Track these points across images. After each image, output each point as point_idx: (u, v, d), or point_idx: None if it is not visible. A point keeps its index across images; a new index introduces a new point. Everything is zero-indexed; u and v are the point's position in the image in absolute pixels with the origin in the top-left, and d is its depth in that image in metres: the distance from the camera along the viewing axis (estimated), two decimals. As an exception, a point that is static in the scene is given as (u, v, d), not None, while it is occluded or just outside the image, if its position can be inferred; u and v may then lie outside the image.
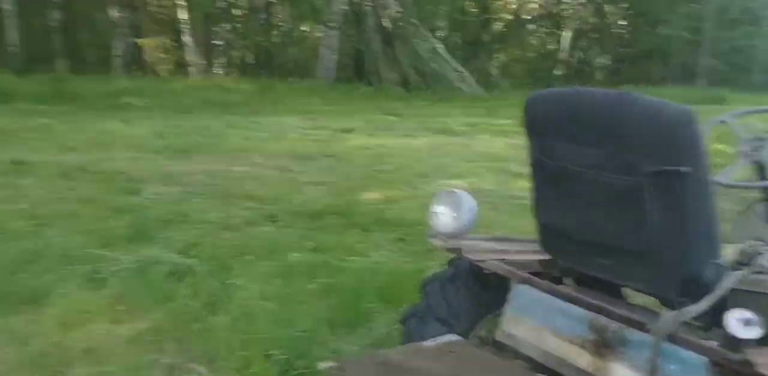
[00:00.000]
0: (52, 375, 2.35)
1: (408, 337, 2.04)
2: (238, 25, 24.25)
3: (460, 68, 19.65)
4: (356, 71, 20.89)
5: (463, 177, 6.66)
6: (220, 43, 23.47)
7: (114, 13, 21.04)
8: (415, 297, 2.46)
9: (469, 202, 2.01)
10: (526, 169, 1.82)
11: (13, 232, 4.07)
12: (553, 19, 26.93)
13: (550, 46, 27.34)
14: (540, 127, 1.72)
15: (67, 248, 3.71)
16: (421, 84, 18.74)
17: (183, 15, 20.93)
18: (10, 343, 2.56)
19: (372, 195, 5.63)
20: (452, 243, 1.99)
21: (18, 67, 17.38)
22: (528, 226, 2.02)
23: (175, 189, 5.69)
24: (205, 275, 3.34)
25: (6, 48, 18.78)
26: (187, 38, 21.00)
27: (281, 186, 5.99)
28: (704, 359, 1.41)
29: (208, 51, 22.21)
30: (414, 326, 2.06)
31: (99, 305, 2.94)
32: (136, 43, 21.46)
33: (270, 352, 2.40)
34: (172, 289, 3.14)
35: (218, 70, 21.91)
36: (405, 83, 18.96)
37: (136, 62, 20.97)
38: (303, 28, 24.71)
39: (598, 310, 1.65)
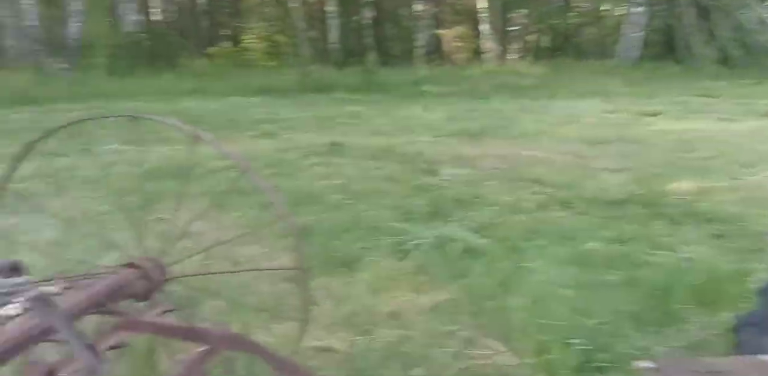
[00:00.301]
0: (361, 333, 2.56)
1: (741, 347, 1.74)
2: (535, 10, 23.95)
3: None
4: (664, 49, 19.02)
5: (801, 168, 5.58)
6: (516, 28, 23.49)
7: (418, 7, 22.54)
8: (740, 302, 2.10)
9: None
10: None
11: (331, 204, 4.60)
12: None
13: None
14: None
15: (375, 221, 4.05)
16: (744, 60, 16.28)
17: (481, 4, 21.45)
18: (328, 300, 2.88)
19: (681, 184, 5.03)
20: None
21: (337, 61, 19.79)
22: None
23: (468, 171, 5.83)
24: (498, 256, 3.34)
25: (328, 45, 21.50)
26: (483, 26, 21.49)
27: (574, 171, 5.73)
28: None
29: (503, 37, 22.42)
30: (750, 335, 1.74)
31: (402, 274, 3.14)
32: (436, 34, 22.70)
33: (569, 340, 2.28)
34: (467, 266, 3.21)
35: (513, 56, 21.99)
36: (724, 60, 16.67)
37: (435, 52, 22.19)
38: (604, 7, 23.36)
39: None
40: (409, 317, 2.72)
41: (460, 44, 22.47)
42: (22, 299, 1.34)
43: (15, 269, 1.18)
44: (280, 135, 8.05)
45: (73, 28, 15.13)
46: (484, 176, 5.58)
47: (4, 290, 1.14)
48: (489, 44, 21.33)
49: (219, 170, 5.42)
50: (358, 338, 2.51)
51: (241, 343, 1.41)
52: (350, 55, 20.91)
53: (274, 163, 6.16)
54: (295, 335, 2.12)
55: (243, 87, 13.89)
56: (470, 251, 3.43)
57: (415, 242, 3.56)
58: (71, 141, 6.45)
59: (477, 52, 21.78)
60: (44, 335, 1.35)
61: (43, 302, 1.16)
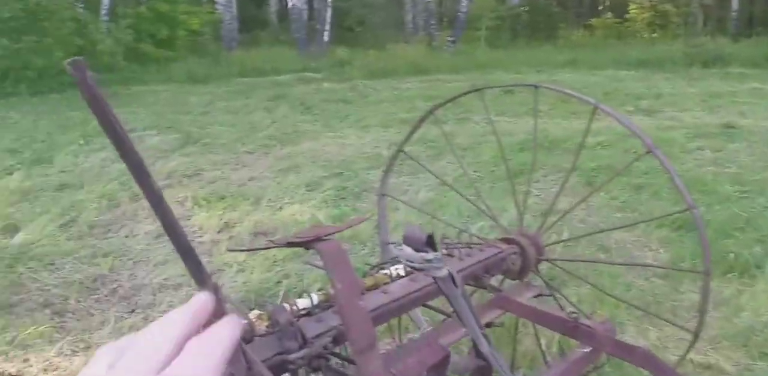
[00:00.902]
0: (760, 356, 2.08)
1: None
2: None
3: None
4: None
5: None
6: None
7: None
8: None
9: None
10: None
11: (722, 195, 3.93)
12: None
13: None
14: None
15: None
16: None
17: None
18: (716, 310, 2.42)
19: None
20: None
21: (736, 31, 17.13)
22: None
23: None
24: None
25: (729, 13, 18.74)
26: None
27: None
28: None
29: None
30: None
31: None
32: None
33: None
34: None
35: None
36: None
37: None
38: None
39: None
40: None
41: None
42: (403, 263, 1.36)
43: (429, 244, 1.15)
44: (662, 112, 7.28)
45: (464, 2, 16.13)
46: None
47: (417, 265, 1.12)
48: None
49: (592, 147, 5.15)
50: (755, 362, 2.05)
51: (630, 351, 1.20)
52: (754, 24, 17.88)
53: (654, 143, 5.56)
54: (676, 344, 1.81)
55: (621, 59, 13.06)
56: None
57: None
58: (451, 111, 6.89)
59: None
60: (424, 299, 1.35)
61: (450, 281, 1.11)
